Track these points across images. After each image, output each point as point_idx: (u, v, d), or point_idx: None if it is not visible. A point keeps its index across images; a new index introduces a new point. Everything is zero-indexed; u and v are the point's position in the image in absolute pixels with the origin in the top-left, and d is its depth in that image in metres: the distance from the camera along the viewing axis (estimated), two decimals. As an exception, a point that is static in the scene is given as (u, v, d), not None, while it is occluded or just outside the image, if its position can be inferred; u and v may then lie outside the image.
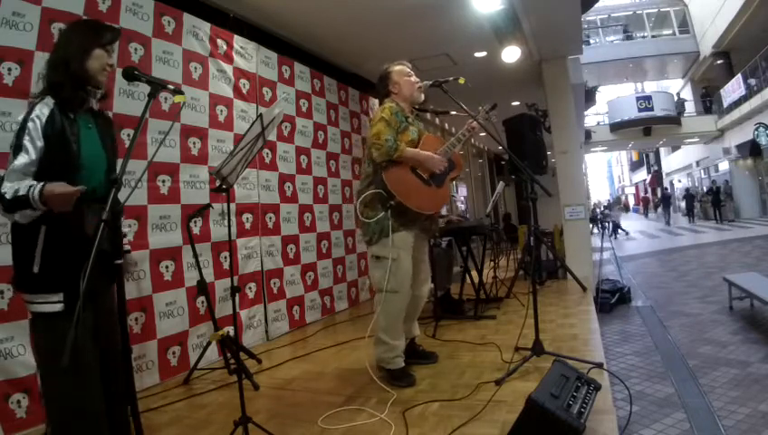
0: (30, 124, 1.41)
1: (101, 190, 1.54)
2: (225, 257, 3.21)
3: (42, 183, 1.35)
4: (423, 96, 2.66)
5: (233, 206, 3.05)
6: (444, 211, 6.12)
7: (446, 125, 8.32)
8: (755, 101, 14.34)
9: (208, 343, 2.89)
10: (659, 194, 22.21)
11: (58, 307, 1.42)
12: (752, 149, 15.35)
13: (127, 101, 2.67)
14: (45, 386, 1.47)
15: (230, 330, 2.53)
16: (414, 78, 2.62)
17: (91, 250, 1.38)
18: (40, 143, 1.41)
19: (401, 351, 2.48)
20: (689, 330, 4.64)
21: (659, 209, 19.93)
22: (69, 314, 1.39)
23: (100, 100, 1.64)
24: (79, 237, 1.44)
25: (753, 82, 14.77)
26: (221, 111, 3.36)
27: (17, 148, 1.40)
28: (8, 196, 1.35)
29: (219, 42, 3.39)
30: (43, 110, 1.44)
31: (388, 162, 2.40)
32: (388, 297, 2.43)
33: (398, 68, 2.63)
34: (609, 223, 10.81)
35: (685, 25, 18.94)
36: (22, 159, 1.39)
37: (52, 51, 1.57)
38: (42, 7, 2.27)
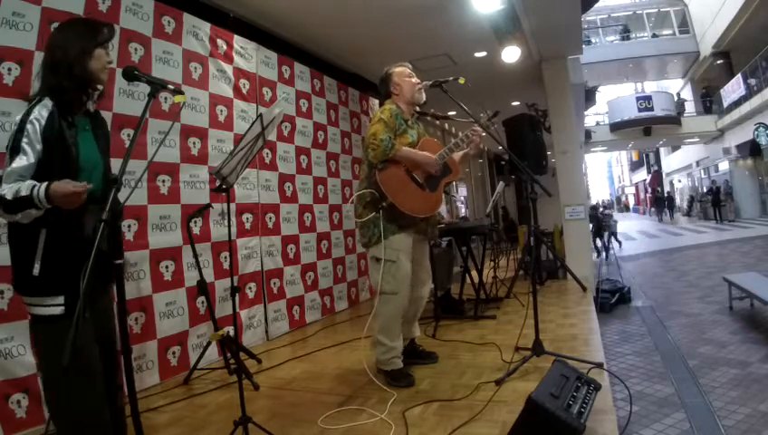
0: (29, 126, 1.38)
1: (99, 192, 1.53)
2: (225, 257, 3.20)
3: (45, 183, 1.33)
4: (424, 97, 2.65)
5: (233, 206, 3.05)
6: (444, 213, 6.11)
7: (447, 125, 8.32)
8: (755, 101, 14.34)
9: (208, 343, 2.89)
10: (652, 196, 26.70)
11: (59, 310, 1.41)
12: (752, 149, 15.35)
13: (127, 101, 2.67)
14: (48, 389, 1.47)
15: (230, 330, 2.54)
16: (415, 79, 2.61)
17: (90, 251, 1.38)
18: (39, 146, 1.39)
19: (399, 352, 2.48)
20: (689, 330, 4.64)
21: (653, 209, 24.08)
22: (70, 317, 1.38)
23: (96, 100, 1.62)
24: (79, 240, 1.43)
25: (753, 82, 14.77)
26: (221, 111, 3.36)
27: (14, 150, 1.37)
28: (8, 196, 1.33)
29: (219, 42, 3.39)
30: (42, 112, 1.41)
31: (383, 162, 2.40)
32: (386, 299, 2.42)
33: (398, 69, 2.62)
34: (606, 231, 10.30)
35: (685, 25, 18.94)
36: (20, 162, 1.37)
37: (47, 51, 1.53)
38: (42, 7, 2.27)
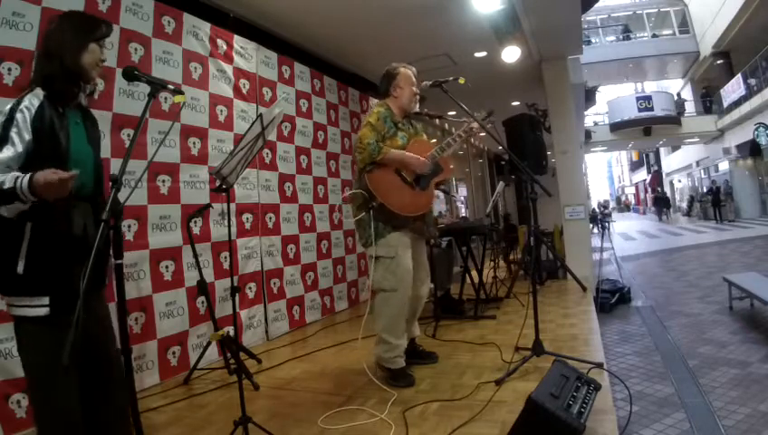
0: (18, 115, 1.35)
1: (89, 188, 1.50)
2: (225, 257, 3.20)
3: (29, 174, 1.28)
4: (417, 108, 2.70)
5: (233, 206, 3.05)
6: (444, 211, 6.12)
7: (446, 125, 8.32)
8: (755, 101, 14.34)
9: (208, 343, 2.89)
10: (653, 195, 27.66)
11: (43, 311, 1.35)
12: (752, 149, 15.35)
13: (127, 101, 2.67)
14: (29, 389, 1.44)
15: (230, 330, 2.54)
16: (415, 88, 2.65)
17: (78, 251, 1.34)
18: (28, 136, 1.35)
19: (402, 351, 2.48)
20: (689, 330, 4.64)
21: (653, 208, 25.12)
22: (54, 318, 1.36)
23: (88, 96, 1.60)
24: (67, 237, 1.39)
25: (753, 82, 14.77)
26: (221, 111, 3.36)
27: (2, 139, 1.33)
28: None
29: (219, 42, 3.39)
30: (32, 101, 1.39)
31: (372, 164, 2.42)
32: (387, 297, 2.43)
33: (405, 72, 2.63)
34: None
35: (685, 25, 18.95)
36: (7, 152, 1.32)
37: (43, 40, 1.52)
38: (42, 7, 2.27)
